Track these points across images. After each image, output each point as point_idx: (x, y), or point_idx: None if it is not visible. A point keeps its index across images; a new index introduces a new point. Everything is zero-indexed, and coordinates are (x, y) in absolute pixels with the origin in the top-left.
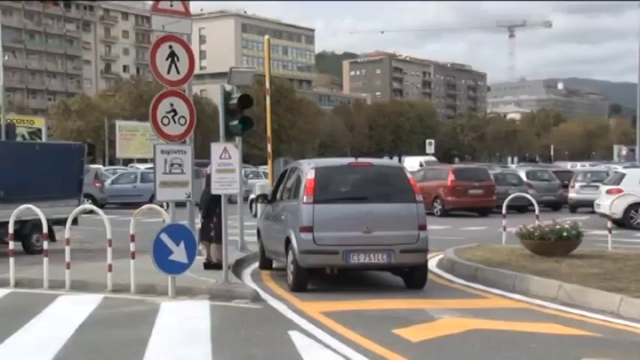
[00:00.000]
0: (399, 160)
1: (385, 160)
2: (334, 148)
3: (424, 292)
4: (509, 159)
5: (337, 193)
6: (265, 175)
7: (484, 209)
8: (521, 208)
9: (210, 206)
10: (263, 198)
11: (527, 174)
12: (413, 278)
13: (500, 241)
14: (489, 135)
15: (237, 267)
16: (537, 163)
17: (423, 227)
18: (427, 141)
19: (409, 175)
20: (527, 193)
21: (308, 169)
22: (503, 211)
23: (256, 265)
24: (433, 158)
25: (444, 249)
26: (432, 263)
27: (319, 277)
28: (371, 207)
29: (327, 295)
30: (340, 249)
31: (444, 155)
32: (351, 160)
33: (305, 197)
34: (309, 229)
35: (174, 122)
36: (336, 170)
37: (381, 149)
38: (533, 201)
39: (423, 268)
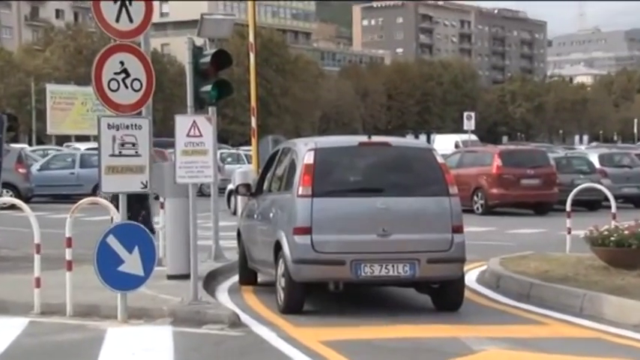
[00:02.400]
0: (428, 140)
1: (408, 140)
2: (340, 124)
3: (459, 316)
4: (577, 138)
5: (344, 183)
6: (248, 158)
7: (541, 205)
8: (592, 203)
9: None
10: (245, 189)
11: (601, 158)
12: (445, 297)
13: (562, 248)
14: (550, 106)
15: (211, 281)
16: (615, 143)
17: (458, 229)
18: (465, 114)
19: (440, 159)
20: (600, 183)
21: (305, 151)
22: (568, 207)
23: (236, 278)
24: (473, 137)
25: (486, 258)
26: (471, 277)
27: (319, 294)
28: (388, 202)
29: (329, 317)
30: (347, 258)
31: (488, 133)
32: (363, 138)
33: (301, 188)
34: (305, 230)
35: (126, 87)
36: (342, 152)
37: (404, 125)
38: (609, 194)
39: (458, 284)
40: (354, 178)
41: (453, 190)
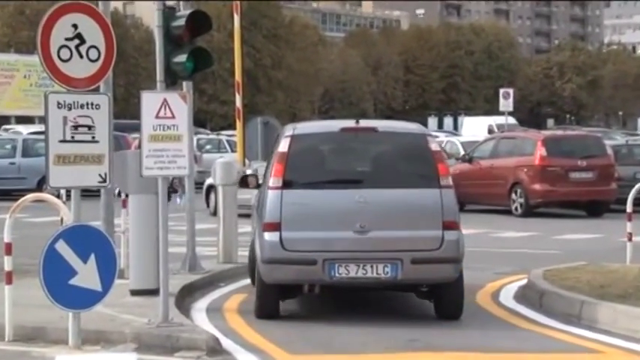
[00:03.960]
0: (455, 124)
1: (400, 124)
2: (346, 103)
3: (492, 341)
4: None
5: (319, 174)
6: (232, 145)
7: (596, 205)
8: None
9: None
10: (255, 181)
11: None
12: (441, 303)
13: (622, 257)
14: (607, 81)
15: (185, 298)
16: None
17: (451, 225)
18: (502, 91)
19: (434, 147)
20: None
21: (283, 138)
22: (629, 208)
23: (216, 295)
24: (511, 120)
25: (526, 270)
26: (508, 294)
27: (311, 298)
28: (368, 194)
29: (331, 340)
30: (319, 257)
31: (530, 115)
32: (348, 123)
33: (272, 179)
34: (274, 226)
35: (80, 56)
36: (321, 139)
37: (425, 105)
38: None
39: (454, 288)
40: (331, 169)
41: (446, 181)
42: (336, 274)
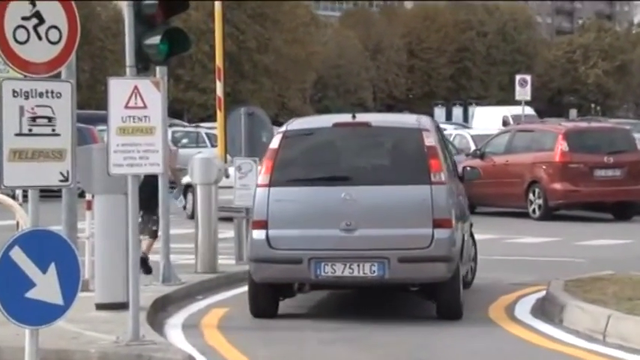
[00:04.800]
0: (465, 115)
1: (397, 118)
2: (342, 91)
3: (506, 358)
4: None
5: (307, 171)
6: (212, 139)
7: (624, 207)
8: None
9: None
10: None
11: None
12: (439, 304)
13: None
14: (637, 66)
15: (158, 312)
16: None
17: (441, 223)
18: (518, 78)
19: (429, 141)
20: None
21: (277, 134)
22: None
23: (193, 309)
24: (529, 110)
25: (545, 281)
26: (524, 307)
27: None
28: (355, 192)
29: (324, 355)
30: (305, 255)
31: (550, 104)
32: (343, 118)
33: (260, 177)
34: (261, 224)
35: (39, 38)
36: (313, 135)
37: (431, 93)
38: None
39: (448, 288)
40: (320, 165)
41: (438, 177)
42: (322, 273)
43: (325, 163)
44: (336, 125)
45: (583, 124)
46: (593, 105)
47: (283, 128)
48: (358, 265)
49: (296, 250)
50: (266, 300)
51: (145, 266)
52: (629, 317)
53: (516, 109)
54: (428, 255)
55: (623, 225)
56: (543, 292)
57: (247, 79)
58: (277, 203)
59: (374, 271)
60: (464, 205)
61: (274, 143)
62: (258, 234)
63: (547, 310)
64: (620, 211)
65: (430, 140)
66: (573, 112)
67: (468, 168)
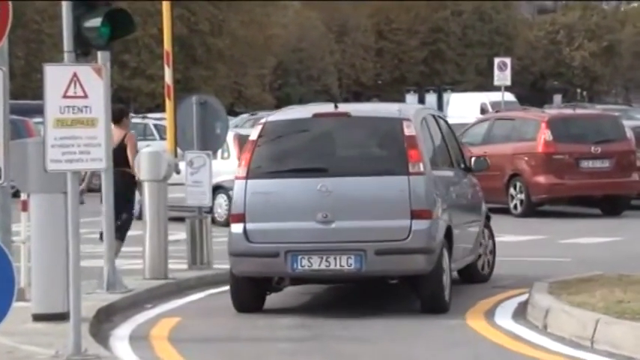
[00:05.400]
0: (439, 102)
1: (377, 108)
2: (304, 77)
3: None
4: None
5: (284, 163)
6: (160, 131)
7: (613, 201)
8: None
9: (122, 196)
10: None
11: None
12: (421, 298)
13: None
14: (626, 47)
15: (103, 323)
16: None
17: (420, 214)
18: (497, 61)
19: (409, 131)
20: None
21: (257, 125)
22: None
23: (141, 319)
24: (509, 96)
25: (528, 283)
26: (505, 312)
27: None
28: (332, 183)
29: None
30: (281, 249)
31: (533, 90)
32: (325, 108)
33: (239, 169)
34: (239, 218)
35: None
36: (293, 126)
37: (402, 79)
38: None
39: (429, 282)
40: (298, 157)
41: (416, 167)
42: (299, 267)
43: (303, 155)
44: (316, 116)
45: (568, 111)
46: (578, 90)
47: (264, 119)
48: (335, 258)
49: (272, 243)
50: (248, 294)
51: None
52: (619, 322)
53: (495, 96)
54: (405, 247)
55: (612, 221)
56: (526, 296)
57: (199, 65)
58: (254, 196)
59: (351, 264)
60: (467, 197)
61: (253, 135)
62: (236, 228)
63: (530, 314)
64: (609, 205)
65: (410, 130)
66: (557, 98)
67: (475, 158)
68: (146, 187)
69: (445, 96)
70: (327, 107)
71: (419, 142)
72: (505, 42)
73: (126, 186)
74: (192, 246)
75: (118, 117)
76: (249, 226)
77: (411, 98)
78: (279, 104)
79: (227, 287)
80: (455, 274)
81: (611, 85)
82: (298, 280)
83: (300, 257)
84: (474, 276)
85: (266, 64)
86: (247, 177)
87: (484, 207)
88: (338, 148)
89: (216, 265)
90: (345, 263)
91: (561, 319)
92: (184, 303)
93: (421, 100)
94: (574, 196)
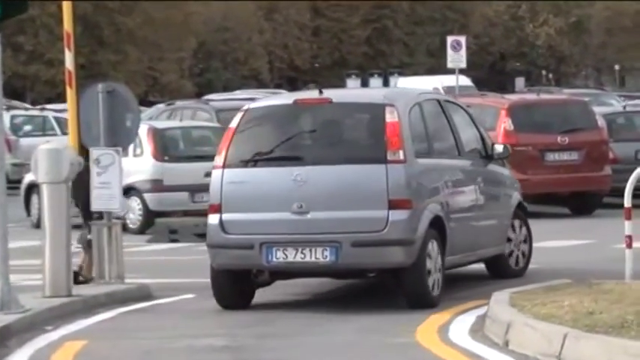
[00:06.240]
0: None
1: (361, 93)
2: (230, 62)
3: None
4: None
5: (260, 151)
6: (62, 125)
7: (583, 198)
8: None
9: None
10: None
11: None
12: (405, 293)
13: (619, 271)
14: (596, 23)
15: None
16: None
17: (398, 204)
18: (450, 40)
19: (391, 117)
20: None
21: (238, 112)
22: (626, 201)
23: (41, 342)
24: (464, 80)
25: (487, 294)
26: (461, 326)
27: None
28: (307, 172)
29: None
30: (256, 240)
31: (491, 72)
32: (305, 94)
33: (217, 158)
34: (216, 208)
35: None
36: (273, 113)
37: (342, 62)
38: None
39: (409, 276)
40: (274, 145)
41: (395, 155)
42: (274, 259)
43: (281, 143)
44: (297, 102)
45: (531, 97)
46: (544, 72)
47: (246, 105)
48: (310, 250)
49: (247, 234)
50: (230, 289)
51: (76, 280)
52: (589, 336)
53: (449, 80)
54: (382, 238)
55: (582, 221)
56: (484, 308)
57: (107, 48)
58: (230, 185)
59: (326, 257)
60: (483, 186)
61: (233, 122)
62: (213, 219)
63: (489, 329)
64: (578, 204)
65: (392, 116)
66: (520, 82)
67: (497, 146)
68: (45, 191)
69: (392, 80)
70: (310, 94)
71: (401, 130)
72: (460, 18)
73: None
74: (99, 258)
75: None
76: (225, 216)
77: (353, 83)
78: (200, 92)
79: (140, 305)
80: (482, 269)
81: (580, 67)
82: (276, 273)
83: (274, 249)
84: (505, 271)
85: (185, 46)
86: (224, 166)
87: (515, 198)
88: (317, 135)
89: (129, 280)
90: (320, 255)
91: (524, 334)
92: (91, 323)
93: (365, 85)
94: (539, 193)
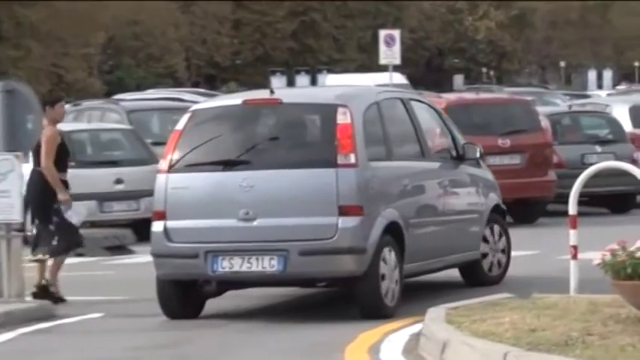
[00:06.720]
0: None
1: (313, 93)
2: (144, 57)
3: None
4: (592, 76)
5: (206, 155)
6: None
7: (527, 205)
8: (620, 199)
9: (45, 199)
10: None
11: (634, 113)
12: (357, 303)
13: (563, 284)
14: (540, 17)
15: None
16: None
17: (349, 210)
18: (383, 35)
19: (343, 119)
20: (634, 162)
21: (185, 113)
22: (571, 209)
23: None
24: (398, 77)
25: (421, 310)
26: (393, 345)
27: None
28: (254, 177)
29: None
30: (201, 249)
31: (428, 70)
32: (255, 94)
33: (161, 162)
34: (160, 215)
35: None
36: (221, 114)
37: (266, 58)
38: None
39: (361, 286)
40: (221, 148)
41: (346, 158)
42: (219, 269)
43: (227, 146)
44: (246, 103)
45: (470, 96)
46: (484, 70)
47: (193, 107)
48: (257, 259)
49: (192, 243)
50: (176, 301)
51: (51, 297)
52: (531, 355)
53: (382, 77)
54: (331, 247)
55: (524, 230)
56: (419, 325)
57: (6, 43)
58: (175, 191)
59: (273, 266)
60: (451, 190)
61: (179, 124)
62: (157, 226)
63: (423, 349)
64: (520, 212)
65: (344, 118)
66: (458, 80)
67: (468, 146)
68: None
69: (320, 78)
70: (261, 93)
71: (353, 131)
72: (393, 11)
73: (45, 187)
74: None
75: (42, 106)
76: (170, 224)
77: (278, 81)
78: (110, 91)
79: (42, 325)
80: (457, 275)
81: (523, 63)
82: (224, 283)
83: (220, 258)
84: (480, 278)
85: (93, 41)
86: (169, 171)
87: (491, 201)
88: (265, 138)
89: (30, 298)
90: (267, 264)
91: (462, 353)
92: None
93: (291, 84)
94: None
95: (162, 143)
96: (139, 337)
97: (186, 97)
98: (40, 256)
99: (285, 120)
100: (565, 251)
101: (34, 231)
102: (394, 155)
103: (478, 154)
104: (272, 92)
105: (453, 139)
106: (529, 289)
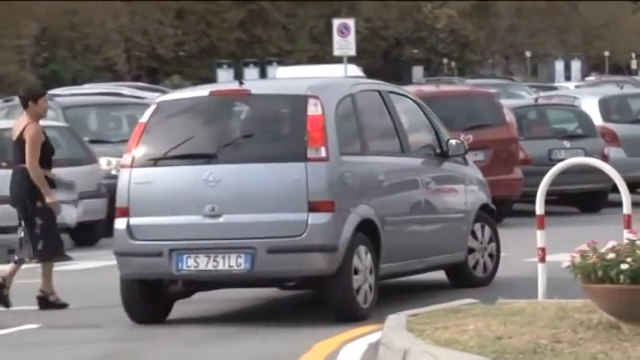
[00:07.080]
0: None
1: (287, 83)
2: (79, 49)
3: None
4: (559, 67)
5: (172, 148)
6: None
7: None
8: (590, 198)
9: (31, 199)
10: None
11: (605, 107)
12: (329, 304)
13: (531, 289)
14: (505, 3)
15: None
16: (635, 76)
17: (319, 206)
18: (337, 24)
19: (313, 110)
20: (603, 158)
21: (150, 106)
22: (538, 208)
23: None
24: (354, 70)
25: (381, 317)
26: (350, 355)
27: None
28: (221, 171)
29: None
30: (165, 247)
31: (385, 61)
32: (223, 86)
33: (125, 156)
34: (123, 212)
35: None
36: (187, 106)
37: (212, 50)
38: (618, 179)
39: (332, 285)
40: (187, 141)
41: (316, 152)
42: (184, 267)
43: (193, 139)
44: (213, 94)
45: (430, 88)
46: (445, 60)
47: (158, 99)
48: (223, 258)
49: (156, 240)
50: (142, 303)
51: (53, 305)
52: None
53: (336, 69)
54: (301, 244)
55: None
56: (377, 334)
57: None
58: (138, 186)
59: (240, 264)
60: (434, 187)
61: (144, 117)
62: (120, 223)
63: (383, 358)
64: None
65: (315, 109)
66: (418, 71)
67: (453, 141)
68: None
69: (270, 71)
70: (230, 85)
71: (325, 124)
72: (347, 3)
73: (29, 187)
74: None
75: (24, 101)
76: (133, 221)
77: (225, 74)
78: (45, 85)
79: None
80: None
81: (486, 53)
82: (190, 283)
83: (185, 256)
84: (468, 280)
85: (25, 32)
86: (132, 165)
87: (478, 200)
88: (232, 131)
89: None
90: (234, 263)
91: None
92: None
93: (239, 77)
94: None
95: (100, 141)
96: (79, 350)
97: (126, 91)
98: (26, 260)
99: (254, 112)
100: (532, 253)
101: (22, 234)
102: (370, 150)
103: (463, 151)
104: (241, 83)
105: (437, 134)
106: (494, 294)
